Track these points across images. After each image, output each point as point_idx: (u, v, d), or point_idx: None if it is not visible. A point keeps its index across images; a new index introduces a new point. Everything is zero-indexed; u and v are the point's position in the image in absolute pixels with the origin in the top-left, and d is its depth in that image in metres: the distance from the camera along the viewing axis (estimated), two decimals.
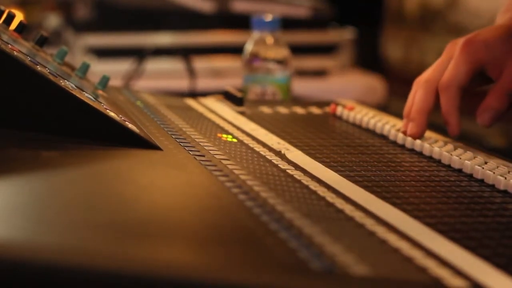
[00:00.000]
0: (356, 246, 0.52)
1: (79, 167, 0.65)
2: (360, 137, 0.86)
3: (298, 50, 1.62)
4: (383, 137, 0.86)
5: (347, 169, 0.71)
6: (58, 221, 0.51)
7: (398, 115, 0.88)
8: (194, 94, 1.27)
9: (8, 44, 0.72)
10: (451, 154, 0.75)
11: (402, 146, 0.82)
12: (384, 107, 1.69)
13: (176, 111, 0.92)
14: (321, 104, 1.03)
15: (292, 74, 1.30)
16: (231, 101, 0.98)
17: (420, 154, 0.79)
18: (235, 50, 1.65)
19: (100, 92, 0.84)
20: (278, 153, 0.75)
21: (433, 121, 0.83)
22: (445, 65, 0.81)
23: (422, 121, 0.81)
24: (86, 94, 0.73)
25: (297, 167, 0.71)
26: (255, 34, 1.27)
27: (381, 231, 0.55)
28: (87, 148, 0.68)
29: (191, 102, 1.02)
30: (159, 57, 1.70)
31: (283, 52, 1.26)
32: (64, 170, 0.63)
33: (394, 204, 0.62)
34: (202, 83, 1.50)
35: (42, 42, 0.84)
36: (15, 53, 0.70)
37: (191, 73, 1.46)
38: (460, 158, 0.74)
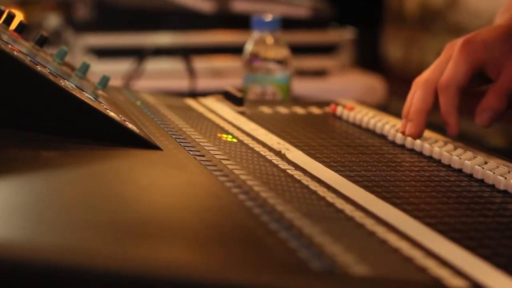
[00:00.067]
0: (356, 246, 0.52)
1: (79, 167, 0.65)
2: (360, 137, 0.86)
3: (298, 50, 1.62)
4: (383, 137, 0.86)
5: (347, 169, 0.71)
6: (58, 221, 0.51)
7: (398, 115, 0.88)
8: (194, 94, 1.27)
9: (8, 44, 0.72)
10: (451, 154, 0.75)
11: (402, 146, 0.82)
12: (384, 107, 1.69)
13: (176, 111, 0.92)
14: (321, 104, 1.03)
15: (292, 74, 1.30)
16: (231, 101, 0.98)
17: (420, 154, 0.79)
18: (235, 50, 1.65)
19: (100, 92, 0.84)
20: (278, 153, 0.75)
21: (433, 121, 0.83)
22: (444, 65, 0.81)
23: (420, 121, 0.81)
24: (86, 94, 0.73)
25: (297, 167, 0.71)
26: (255, 34, 1.27)
27: (381, 231, 0.55)
28: (87, 148, 0.68)
29: (191, 102, 1.02)
30: (159, 57, 1.70)
31: (283, 52, 1.26)
32: (64, 170, 0.63)
33: (394, 204, 0.62)
34: (202, 83, 1.50)
35: (42, 42, 0.84)
36: (15, 53, 0.70)
37: (191, 73, 1.46)
38: (460, 158, 0.74)
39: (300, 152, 0.76)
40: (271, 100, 1.20)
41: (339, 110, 0.96)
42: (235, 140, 0.80)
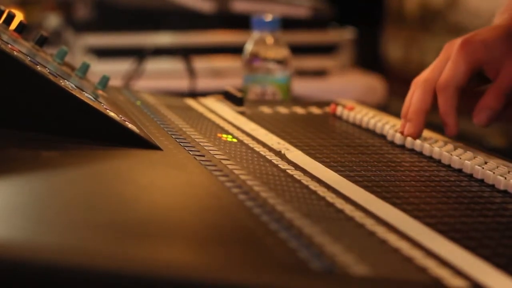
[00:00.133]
0: (356, 246, 0.52)
1: (79, 167, 0.65)
2: (360, 137, 0.86)
3: (298, 50, 1.62)
4: (383, 137, 0.86)
5: (347, 169, 0.71)
6: (58, 221, 0.51)
7: (398, 115, 0.88)
8: (194, 94, 1.27)
9: (8, 44, 0.72)
10: (451, 154, 0.75)
11: (402, 146, 0.82)
12: (384, 107, 1.69)
13: (176, 111, 0.92)
14: (321, 104, 1.03)
15: (292, 74, 1.30)
16: (231, 101, 0.98)
17: (420, 154, 0.79)
18: (235, 50, 1.65)
19: (100, 92, 0.84)
20: (278, 153, 0.75)
21: (433, 121, 0.83)
22: (443, 65, 0.81)
23: (419, 122, 0.81)
24: (86, 94, 0.73)
25: (297, 167, 0.71)
26: (255, 34, 1.27)
27: (381, 231, 0.55)
28: (87, 148, 0.68)
29: (191, 102, 1.02)
30: (159, 57, 1.70)
31: (283, 52, 1.26)
32: (64, 170, 0.63)
33: (394, 204, 0.62)
34: (202, 83, 1.50)
35: (42, 42, 0.84)
36: (15, 53, 0.70)
37: (191, 73, 1.46)
38: (460, 158, 0.74)
39: (300, 152, 0.76)
40: (271, 100, 1.20)
41: (339, 110, 0.96)
42: (235, 140, 0.80)
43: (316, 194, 0.63)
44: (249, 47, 1.27)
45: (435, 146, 0.78)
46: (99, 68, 1.59)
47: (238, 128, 0.86)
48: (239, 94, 0.98)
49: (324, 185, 0.66)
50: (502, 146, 2.06)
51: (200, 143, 0.76)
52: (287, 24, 1.45)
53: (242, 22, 1.60)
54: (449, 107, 0.80)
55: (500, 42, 0.80)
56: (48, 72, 0.71)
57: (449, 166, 0.75)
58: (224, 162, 0.69)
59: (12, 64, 0.69)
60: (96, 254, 0.45)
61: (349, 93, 1.74)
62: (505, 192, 0.68)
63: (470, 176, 0.72)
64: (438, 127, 0.84)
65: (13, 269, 0.43)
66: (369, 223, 0.57)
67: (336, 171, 0.70)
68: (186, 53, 1.52)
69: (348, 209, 0.60)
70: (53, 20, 2.09)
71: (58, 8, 2.19)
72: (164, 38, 1.79)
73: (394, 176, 0.71)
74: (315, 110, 1.00)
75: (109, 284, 0.43)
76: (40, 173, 0.61)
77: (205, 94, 1.10)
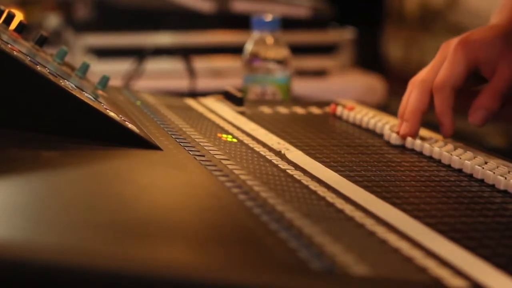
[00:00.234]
0: (356, 246, 0.52)
1: (79, 167, 0.65)
2: (360, 137, 0.86)
3: (298, 50, 1.62)
4: (383, 137, 0.86)
5: (347, 169, 0.71)
6: (58, 221, 0.51)
7: None
8: (194, 94, 1.27)
9: (8, 44, 0.72)
10: (451, 154, 0.75)
11: (402, 146, 0.82)
12: (384, 107, 1.69)
13: (176, 111, 0.92)
14: (321, 104, 1.03)
15: (292, 74, 1.30)
16: (231, 101, 0.98)
17: (420, 154, 0.79)
18: (235, 50, 1.65)
19: (100, 92, 0.84)
20: (278, 153, 0.75)
21: (433, 121, 0.83)
22: (440, 66, 0.81)
23: (415, 122, 0.81)
24: (86, 94, 0.73)
25: (297, 167, 0.71)
26: (255, 34, 1.27)
27: (381, 231, 0.55)
28: (87, 148, 0.68)
29: (191, 102, 1.02)
30: (159, 57, 1.70)
31: (283, 52, 1.26)
32: (64, 170, 0.63)
33: (394, 204, 0.62)
34: (202, 83, 1.50)
35: (42, 42, 0.84)
36: (15, 53, 0.70)
37: (191, 73, 1.46)
38: (460, 158, 0.74)
39: (300, 152, 0.76)
40: (271, 100, 1.20)
41: (339, 110, 0.96)
42: (235, 140, 0.80)
43: (316, 194, 0.63)
44: (249, 47, 1.27)
45: (435, 146, 0.78)
46: (99, 68, 1.59)
47: (238, 128, 0.86)
48: (239, 94, 0.98)
49: (324, 185, 0.66)
50: (502, 146, 2.06)
51: (200, 143, 0.76)
52: (287, 24, 1.45)
53: (242, 22, 1.60)
54: (446, 107, 0.80)
55: (497, 42, 0.80)
56: (48, 72, 0.71)
57: (449, 166, 0.75)
58: (224, 162, 0.69)
59: (12, 64, 0.69)
60: (96, 254, 0.45)
61: (349, 93, 1.74)
62: (505, 192, 0.68)
63: (470, 176, 0.72)
64: (435, 127, 0.84)
65: (13, 269, 0.43)
66: (369, 223, 0.57)
67: (336, 171, 0.70)
68: (186, 53, 1.52)
69: (348, 209, 0.60)
70: (53, 20, 2.08)
71: (58, 8, 2.19)
72: (164, 38, 1.79)
73: (394, 176, 0.71)
74: (315, 110, 1.00)
75: (109, 284, 0.43)
76: (40, 173, 0.61)
77: (205, 94, 1.10)
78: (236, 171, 0.66)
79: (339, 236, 0.53)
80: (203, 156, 0.71)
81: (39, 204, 0.54)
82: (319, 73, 1.85)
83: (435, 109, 0.81)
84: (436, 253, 0.52)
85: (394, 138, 0.82)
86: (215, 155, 0.71)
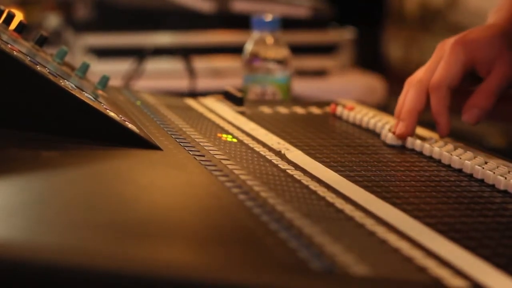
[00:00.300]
0: (356, 246, 0.52)
1: (79, 167, 0.65)
2: (360, 137, 0.86)
3: (298, 50, 1.61)
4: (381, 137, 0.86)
5: (347, 169, 0.71)
6: (58, 221, 0.51)
7: None
8: (194, 94, 1.27)
9: (8, 44, 0.72)
10: (451, 154, 0.75)
11: (402, 146, 0.82)
12: (384, 107, 1.69)
13: (176, 111, 0.92)
14: (321, 104, 1.03)
15: (292, 74, 1.30)
16: (231, 101, 0.98)
17: (420, 154, 0.79)
18: (235, 50, 1.65)
19: (100, 92, 0.84)
20: (278, 153, 0.75)
21: (431, 121, 0.83)
22: (436, 65, 0.81)
23: (411, 121, 0.81)
24: (86, 94, 0.73)
25: (297, 167, 0.71)
26: (255, 34, 1.27)
27: (381, 231, 0.55)
28: (87, 148, 0.68)
29: (191, 102, 1.02)
30: (159, 57, 1.70)
31: (283, 52, 1.26)
32: (64, 170, 0.63)
33: (394, 204, 0.62)
34: (202, 83, 1.50)
35: (42, 42, 0.84)
36: (15, 53, 0.70)
37: (191, 73, 1.46)
38: (460, 158, 0.74)
39: (300, 152, 0.76)
40: (271, 100, 1.20)
41: (339, 110, 0.96)
42: (235, 140, 0.80)
43: (316, 194, 0.63)
44: (249, 47, 1.27)
45: (435, 146, 0.78)
46: (99, 68, 1.59)
47: (238, 128, 0.86)
48: (239, 94, 0.98)
49: (324, 185, 0.66)
50: (502, 146, 2.06)
51: (200, 143, 0.76)
52: (287, 24, 1.45)
53: (242, 22, 1.60)
54: (442, 107, 0.80)
55: (494, 41, 0.79)
56: (48, 72, 0.71)
57: (449, 166, 0.75)
58: (224, 162, 0.69)
59: (12, 64, 0.69)
60: (96, 254, 0.45)
61: (349, 93, 1.74)
62: (505, 192, 0.68)
63: (470, 176, 0.72)
64: (433, 126, 0.84)
65: (13, 269, 0.43)
66: (369, 223, 0.57)
67: (336, 171, 0.70)
68: (186, 53, 1.52)
69: (348, 209, 0.60)
70: (53, 20, 2.08)
71: (58, 8, 2.19)
72: (164, 38, 1.79)
73: (394, 176, 0.71)
74: (315, 110, 1.00)
75: (109, 284, 0.43)
76: (40, 173, 0.61)
77: (205, 94, 1.10)
78: (236, 171, 0.66)
79: (339, 236, 0.53)
80: (203, 156, 0.71)
81: (39, 204, 0.54)
82: (319, 73, 1.85)
83: (431, 109, 0.81)
84: (436, 253, 0.52)
85: (390, 138, 0.82)
86: (215, 155, 0.71)
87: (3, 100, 0.69)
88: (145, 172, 0.65)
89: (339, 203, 0.61)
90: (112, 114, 0.72)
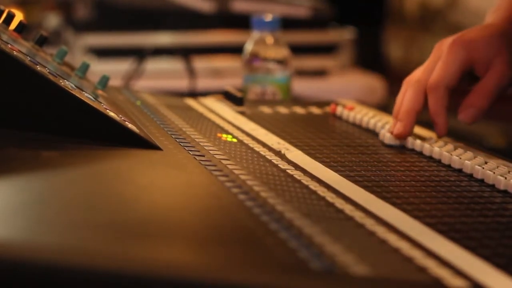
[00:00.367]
0: (356, 246, 0.52)
1: (79, 167, 0.65)
2: (360, 137, 0.86)
3: (298, 50, 1.61)
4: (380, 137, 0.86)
5: (347, 169, 0.71)
6: (58, 221, 0.51)
7: None
8: (194, 94, 1.27)
9: (8, 44, 0.72)
10: (451, 154, 0.75)
11: (402, 146, 0.82)
12: (384, 107, 1.69)
13: (176, 111, 0.92)
14: (321, 104, 1.03)
15: (292, 74, 1.30)
16: (231, 101, 0.98)
17: (420, 154, 0.79)
18: (235, 50, 1.65)
19: (100, 92, 0.84)
20: (278, 153, 0.75)
21: (429, 120, 0.83)
22: (434, 65, 0.81)
23: (409, 122, 0.81)
24: (86, 94, 0.73)
25: (297, 167, 0.71)
26: (255, 34, 1.27)
27: (381, 231, 0.55)
28: (87, 148, 0.68)
29: (191, 102, 1.02)
30: (159, 57, 1.70)
31: (283, 52, 1.26)
32: (64, 170, 0.63)
33: (394, 204, 0.62)
34: (202, 83, 1.50)
35: (42, 42, 0.84)
36: (15, 53, 0.70)
37: (191, 73, 1.46)
38: (460, 158, 0.74)
39: (300, 152, 0.76)
40: (271, 100, 1.20)
41: (339, 110, 0.96)
42: (235, 140, 0.80)
43: (316, 194, 0.63)
44: (249, 47, 1.27)
45: (435, 146, 0.78)
46: (99, 68, 1.59)
47: (238, 128, 0.86)
48: (239, 94, 0.98)
49: (324, 185, 0.66)
50: (502, 146, 2.06)
51: (200, 143, 0.76)
52: (287, 24, 1.45)
53: (242, 22, 1.60)
54: (440, 107, 0.80)
55: (492, 41, 0.79)
56: (48, 72, 0.71)
57: (449, 166, 0.75)
58: (224, 162, 0.69)
59: (12, 64, 0.69)
60: (96, 254, 0.45)
61: (349, 93, 1.74)
62: (505, 192, 0.68)
63: (470, 176, 0.72)
64: (431, 126, 0.84)
65: (13, 269, 0.43)
66: (369, 223, 0.57)
67: (336, 171, 0.70)
68: (186, 53, 1.52)
69: (348, 209, 0.60)
70: (53, 20, 2.08)
71: (58, 8, 2.19)
72: (164, 38, 1.79)
73: (394, 176, 0.71)
74: (315, 110, 1.00)
75: (109, 284, 0.43)
76: (40, 173, 0.61)
77: (205, 94, 1.10)
78: (236, 171, 0.66)
79: (339, 236, 0.53)
80: (203, 156, 0.71)
81: (39, 204, 0.54)
82: (319, 73, 1.85)
83: (429, 108, 0.81)
84: (436, 253, 0.52)
85: (388, 138, 0.82)
86: (215, 155, 0.71)
87: (3, 100, 0.69)
88: (145, 172, 0.65)
89: (339, 203, 0.61)
90: (112, 114, 0.72)
